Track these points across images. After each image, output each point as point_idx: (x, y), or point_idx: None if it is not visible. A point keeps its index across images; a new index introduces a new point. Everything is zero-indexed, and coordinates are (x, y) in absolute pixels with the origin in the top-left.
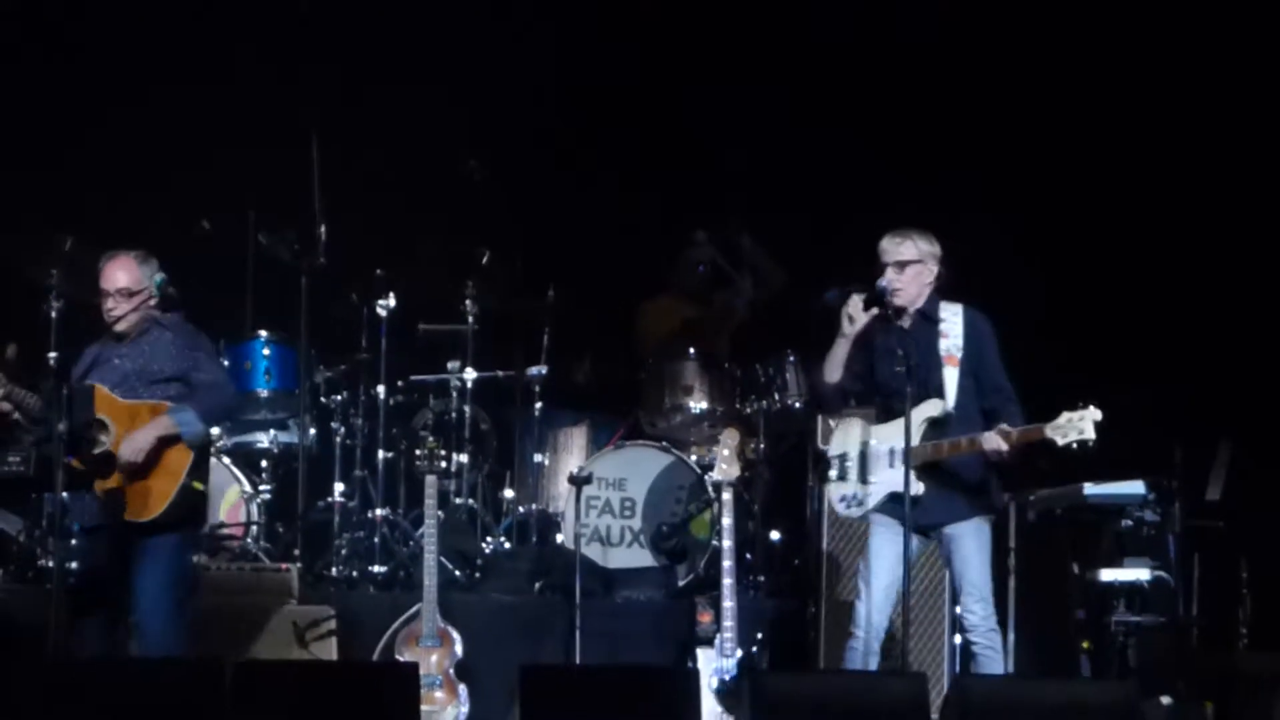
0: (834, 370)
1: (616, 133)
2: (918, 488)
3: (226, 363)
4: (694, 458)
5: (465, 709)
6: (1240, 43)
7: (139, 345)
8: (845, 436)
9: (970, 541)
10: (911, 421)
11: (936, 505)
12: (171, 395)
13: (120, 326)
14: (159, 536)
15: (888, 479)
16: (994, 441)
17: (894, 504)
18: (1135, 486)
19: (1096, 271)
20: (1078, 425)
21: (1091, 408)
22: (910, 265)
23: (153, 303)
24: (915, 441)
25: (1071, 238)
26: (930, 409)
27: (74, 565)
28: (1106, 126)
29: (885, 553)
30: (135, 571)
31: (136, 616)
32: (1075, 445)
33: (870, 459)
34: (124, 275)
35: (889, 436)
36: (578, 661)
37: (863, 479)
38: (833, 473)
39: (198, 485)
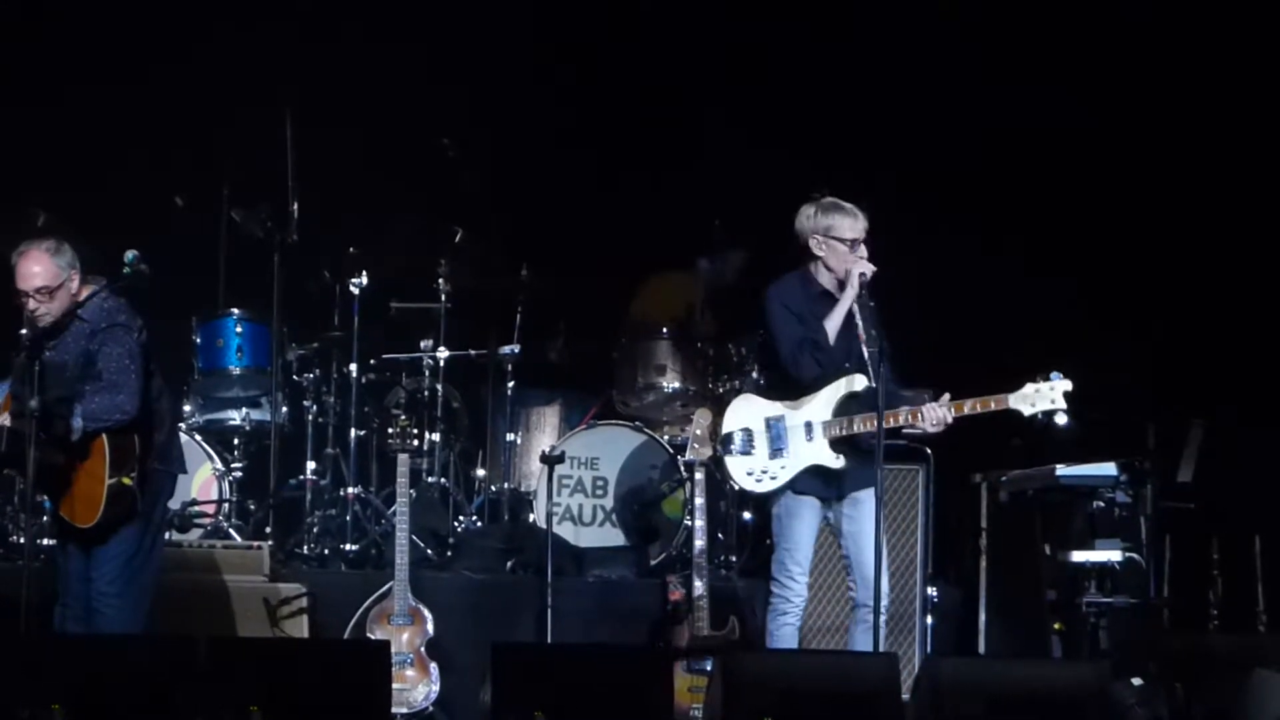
0: (835, 336)
1: (593, 111)
2: (839, 462)
3: (199, 340)
4: (666, 437)
5: (436, 687)
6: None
7: (64, 340)
8: (743, 412)
9: (870, 504)
10: (836, 395)
11: (849, 475)
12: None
13: (46, 323)
14: (103, 538)
15: (806, 452)
16: (936, 414)
17: (811, 479)
18: (1107, 468)
19: (1070, 252)
20: (1048, 395)
21: (1058, 378)
22: (863, 241)
23: (74, 286)
24: (829, 415)
25: (1042, 217)
26: (855, 384)
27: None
28: (1070, 102)
29: (809, 530)
30: (88, 565)
31: (92, 602)
32: (1042, 417)
33: (782, 433)
34: (40, 273)
35: (804, 412)
36: (549, 640)
37: (773, 454)
38: (734, 447)
39: (126, 481)
